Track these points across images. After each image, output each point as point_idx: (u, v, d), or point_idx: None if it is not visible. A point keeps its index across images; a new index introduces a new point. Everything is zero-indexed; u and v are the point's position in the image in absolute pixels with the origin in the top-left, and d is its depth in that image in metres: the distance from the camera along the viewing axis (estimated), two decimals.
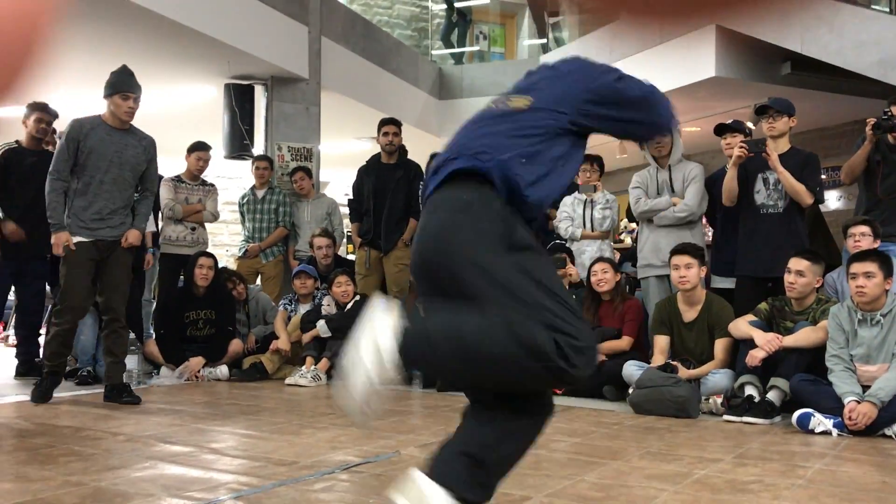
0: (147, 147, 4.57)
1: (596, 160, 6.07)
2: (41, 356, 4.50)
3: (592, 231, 5.83)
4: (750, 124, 7.09)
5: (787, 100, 4.83)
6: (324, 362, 5.58)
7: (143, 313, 6.16)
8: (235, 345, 5.81)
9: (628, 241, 8.57)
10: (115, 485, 2.54)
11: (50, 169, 4.37)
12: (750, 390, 4.07)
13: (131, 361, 5.10)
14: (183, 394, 4.93)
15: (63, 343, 4.37)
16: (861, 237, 4.44)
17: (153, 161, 4.62)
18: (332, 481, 2.61)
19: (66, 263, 4.35)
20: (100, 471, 2.74)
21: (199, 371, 5.59)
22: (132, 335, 5.08)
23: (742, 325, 4.29)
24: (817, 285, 4.29)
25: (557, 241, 5.81)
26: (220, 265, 6.43)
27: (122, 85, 4.42)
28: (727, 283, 5.02)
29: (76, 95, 6.62)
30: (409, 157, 6.51)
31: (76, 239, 4.33)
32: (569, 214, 5.90)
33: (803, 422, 3.67)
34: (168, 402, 4.51)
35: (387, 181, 6.31)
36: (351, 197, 6.83)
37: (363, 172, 6.52)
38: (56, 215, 4.32)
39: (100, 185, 4.36)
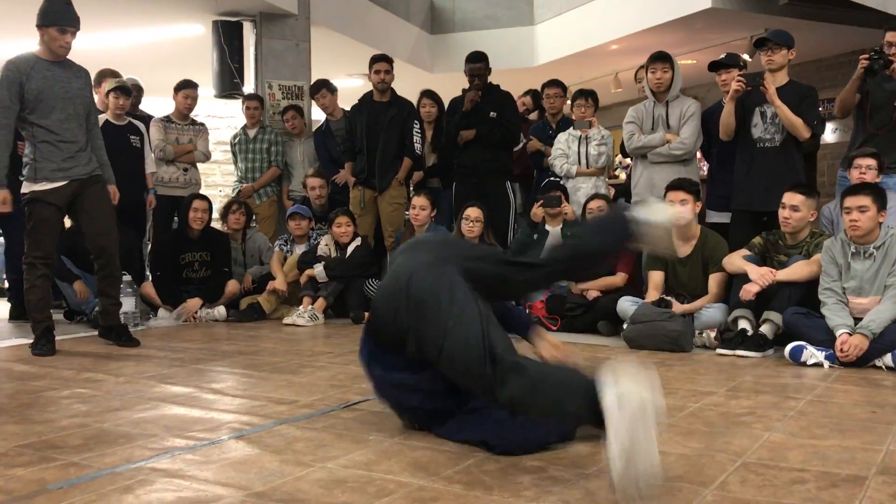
0: (87, 79, 4.38)
1: (591, 95, 6.01)
2: (27, 312, 4.43)
3: (587, 168, 5.80)
4: (746, 56, 7.02)
5: (786, 32, 4.76)
6: (320, 302, 5.61)
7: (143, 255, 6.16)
8: (232, 285, 5.83)
9: (623, 176, 8.55)
10: (118, 426, 2.58)
11: None
12: (743, 324, 4.11)
13: (128, 303, 5.11)
14: (181, 335, 4.97)
15: (43, 294, 4.28)
16: (867, 170, 4.41)
17: (92, 95, 4.50)
18: (333, 419, 2.65)
19: (32, 215, 4.20)
20: (102, 412, 2.77)
21: (196, 312, 5.62)
22: (129, 277, 5.07)
23: (736, 260, 4.31)
24: (811, 219, 4.30)
25: (552, 179, 5.79)
26: (213, 206, 6.41)
27: (59, 18, 4.11)
28: (722, 217, 5.03)
29: None
30: (401, 94, 6.42)
31: (49, 185, 4.16)
32: (563, 151, 5.87)
33: (795, 354, 3.72)
34: (167, 344, 4.55)
35: (380, 120, 6.23)
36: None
37: (355, 111, 6.44)
38: (1, 169, 4.08)
39: (60, 124, 4.18)
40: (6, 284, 5.65)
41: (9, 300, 5.72)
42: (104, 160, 4.46)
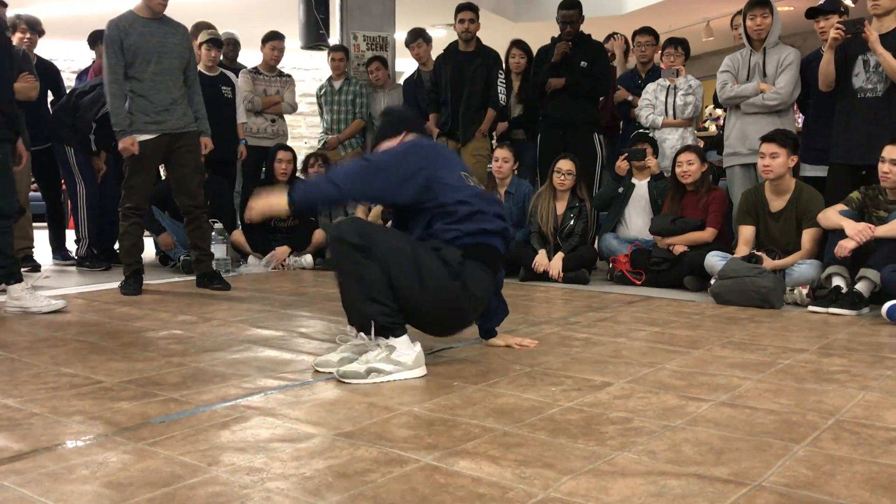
0: (184, 34, 4.56)
1: (681, 43, 5.84)
2: (120, 256, 4.66)
3: (674, 118, 5.65)
4: (848, 1, 6.66)
5: None
6: None
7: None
8: (319, 234, 5.95)
9: (713, 128, 8.29)
10: (213, 366, 2.69)
11: (105, 78, 4.37)
12: (837, 281, 3.98)
13: (220, 251, 5.28)
14: (270, 281, 5.12)
15: (135, 240, 4.51)
16: None
17: (192, 50, 4.63)
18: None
19: (131, 164, 4.41)
20: (198, 352, 2.90)
21: (284, 260, 5.76)
22: (220, 225, 5.24)
23: (832, 215, 4.15)
24: None
25: (639, 131, 5.67)
26: (299, 157, 6.51)
27: None
28: (818, 171, 4.84)
29: None
30: (486, 44, 6.35)
31: (143, 137, 4.35)
32: (650, 101, 5.73)
33: (893, 313, 3.58)
34: (257, 290, 4.69)
35: (464, 70, 6.18)
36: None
37: (440, 61, 6.40)
38: (120, 121, 4.31)
39: (154, 78, 4.35)
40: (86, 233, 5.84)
41: (87, 247, 5.86)
42: (201, 112, 4.63)
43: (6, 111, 3.78)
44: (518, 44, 6.60)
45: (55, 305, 3.79)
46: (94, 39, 6.09)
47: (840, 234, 4.03)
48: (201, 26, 6.22)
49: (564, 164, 5.30)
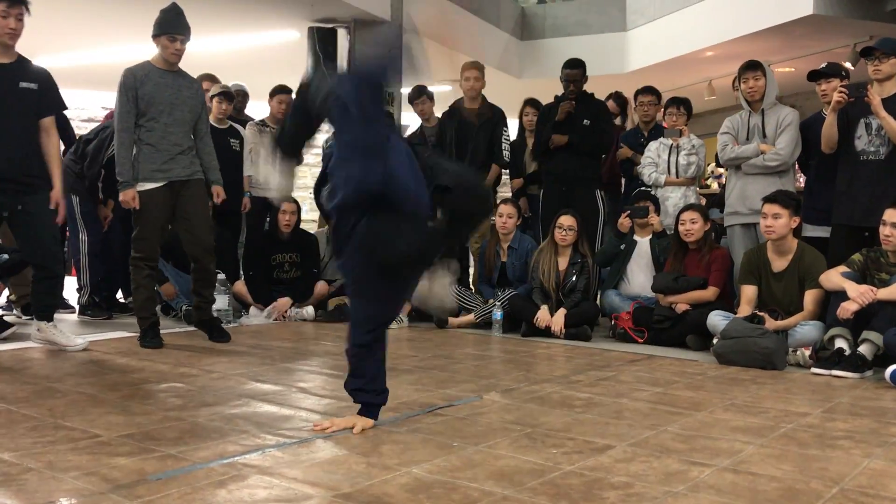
0: (198, 89, 4.65)
1: (683, 103, 5.90)
2: (134, 310, 4.68)
3: (677, 177, 5.69)
4: (848, 64, 6.76)
5: (894, 40, 4.57)
6: (406, 306, 5.66)
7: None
8: (321, 286, 5.95)
9: (715, 186, 8.35)
10: (211, 421, 2.67)
11: (115, 125, 4.40)
12: (840, 343, 3.96)
13: (222, 301, 5.28)
14: (271, 333, 5.10)
15: (149, 293, 4.51)
16: None
17: (205, 104, 4.71)
18: (418, 423, 2.68)
19: (137, 216, 4.41)
20: (197, 407, 2.88)
21: (286, 311, 5.76)
22: (223, 275, 5.24)
23: (834, 277, 4.15)
24: None
25: (642, 189, 5.70)
26: (304, 208, 6.55)
27: (169, 26, 4.38)
28: (820, 231, 4.85)
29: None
30: (491, 100, 6.44)
31: (148, 186, 4.36)
32: (653, 160, 5.78)
33: None
34: (257, 342, 4.68)
35: (469, 126, 6.25)
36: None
37: (446, 118, 6.47)
38: (124, 172, 4.33)
39: (165, 128, 4.39)
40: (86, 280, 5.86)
41: (88, 295, 5.85)
42: (212, 164, 4.66)
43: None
44: (531, 102, 6.72)
45: (82, 345, 4.14)
46: None
47: (842, 295, 4.02)
48: (204, 77, 6.30)
49: (566, 220, 5.32)
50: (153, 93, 4.36)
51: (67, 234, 6.03)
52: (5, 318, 4.82)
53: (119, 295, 6.24)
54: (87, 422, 2.61)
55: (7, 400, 2.93)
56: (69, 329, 4.56)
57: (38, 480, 1.99)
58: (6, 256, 5.10)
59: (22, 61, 4.04)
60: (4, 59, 3.95)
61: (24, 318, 5.55)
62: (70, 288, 6.24)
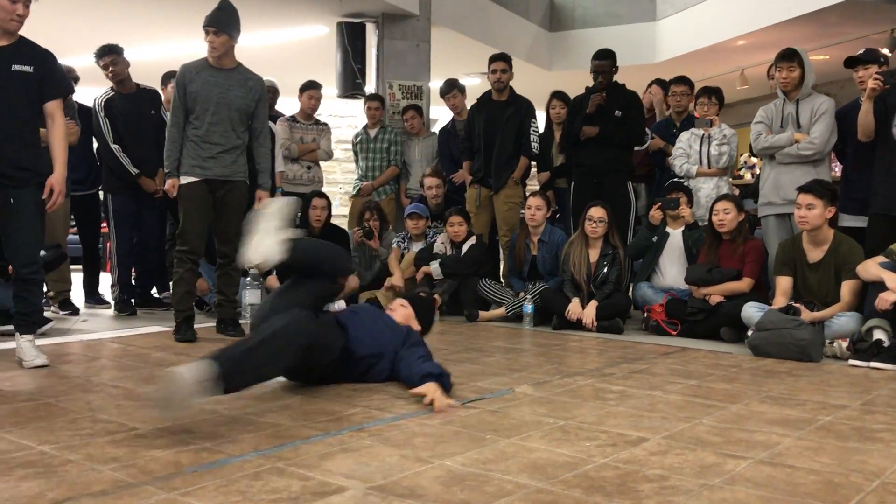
0: (253, 87, 4.54)
1: (714, 92, 5.83)
2: (171, 303, 4.73)
3: (709, 168, 5.63)
4: (886, 51, 6.63)
5: None
6: (436, 299, 5.67)
7: None
8: (352, 281, 5.97)
9: (748, 176, 8.24)
10: (245, 414, 2.69)
11: (168, 121, 4.51)
12: (879, 334, 3.89)
13: (254, 296, 5.32)
14: None
15: (189, 287, 4.56)
16: None
17: (262, 101, 4.59)
18: (450, 416, 2.68)
19: (182, 207, 4.50)
20: (231, 400, 2.88)
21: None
22: (256, 270, 5.28)
23: (872, 267, 4.08)
24: None
25: (674, 180, 5.65)
26: (334, 203, 6.58)
27: (205, 21, 4.39)
28: (856, 221, 4.77)
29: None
30: (520, 93, 6.41)
31: (186, 180, 4.44)
32: (684, 151, 5.72)
33: None
34: None
35: (497, 119, 6.24)
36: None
37: (474, 110, 6.46)
38: (169, 164, 4.46)
39: (209, 128, 4.43)
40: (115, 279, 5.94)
41: (118, 292, 5.90)
42: (263, 166, 4.66)
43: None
44: (558, 95, 6.68)
45: (39, 361, 3.53)
46: (165, 79, 6.24)
47: (880, 286, 3.95)
48: None
49: (596, 212, 5.29)
50: (200, 91, 4.41)
51: (104, 229, 6.12)
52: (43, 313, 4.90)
53: (153, 291, 6.32)
54: (124, 415, 2.65)
55: (46, 394, 2.98)
56: (104, 325, 4.62)
57: (77, 472, 2.02)
58: (43, 252, 5.18)
59: (20, 44, 3.58)
60: (2, 42, 3.54)
61: (61, 313, 5.64)
62: (105, 283, 6.35)
